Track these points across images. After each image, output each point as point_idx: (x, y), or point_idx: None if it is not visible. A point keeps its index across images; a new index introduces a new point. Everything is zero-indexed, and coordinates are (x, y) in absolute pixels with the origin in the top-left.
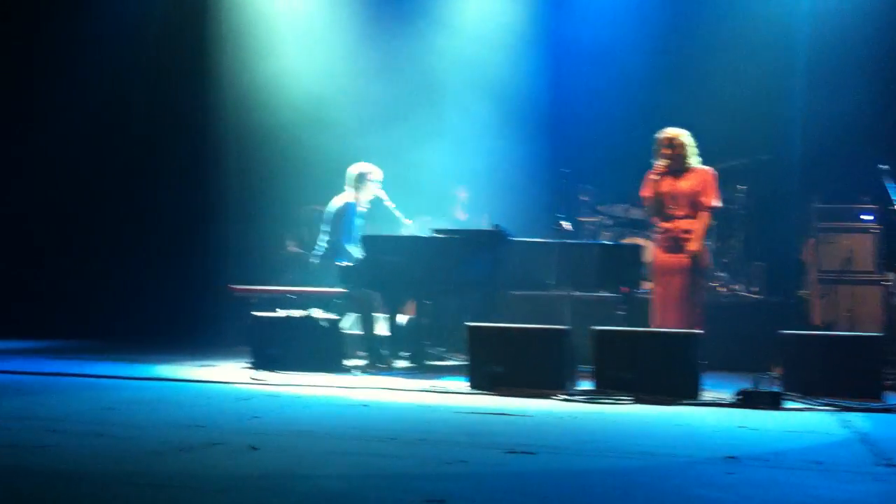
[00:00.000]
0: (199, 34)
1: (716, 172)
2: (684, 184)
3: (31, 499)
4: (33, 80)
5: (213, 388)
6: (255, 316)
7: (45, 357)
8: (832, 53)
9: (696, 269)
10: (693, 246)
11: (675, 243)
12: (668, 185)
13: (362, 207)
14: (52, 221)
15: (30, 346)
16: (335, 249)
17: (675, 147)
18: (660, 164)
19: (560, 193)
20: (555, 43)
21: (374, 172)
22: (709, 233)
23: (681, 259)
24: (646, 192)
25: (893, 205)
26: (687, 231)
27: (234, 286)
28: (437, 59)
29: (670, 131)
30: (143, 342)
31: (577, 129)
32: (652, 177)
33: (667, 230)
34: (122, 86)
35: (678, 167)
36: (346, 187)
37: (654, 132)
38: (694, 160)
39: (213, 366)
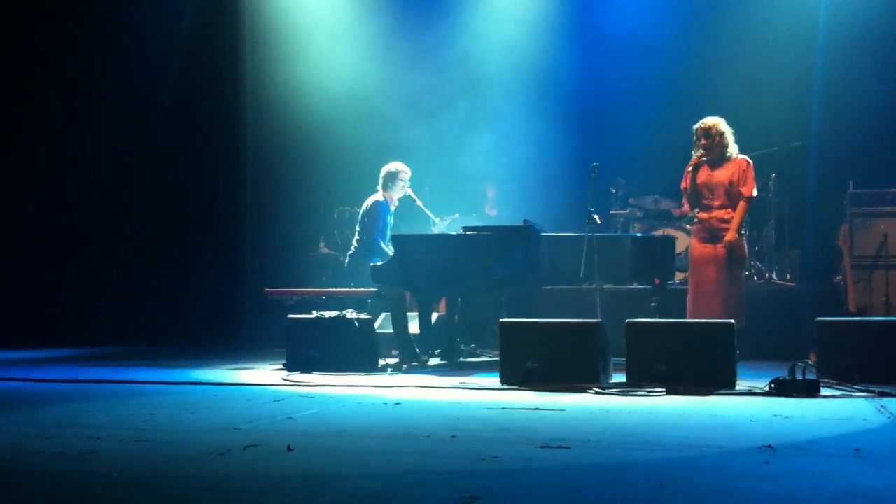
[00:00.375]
0: (232, 33)
1: (751, 162)
2: (721, 173)
3: None
4: (64, 85)
5: (249, 391)
6: (290, 318)
7: (85, 365)
8: (859, 37)
9: (732, 259)
10: (729, 236)
11: (711, 234)
12: (704, 175)
13: (393, 206)
14: (87, 229)
15: (70, 355)
16: (366, 249)
17: (714, 136)
18: (697, 154)
19: (590, 187)
20: (583, 34)
21: (404, 171)
22: (744, 222)
23: (717, 249)
24: (685, 182)
25: None
26: (724, 221)
27: (269, 290)
28: (466, 54)
29: (709, 120)
30: (179, 347)
31: (607, 121)
32: (689, 168)
33: (703, 220)
34: (155, 88)
35: (716, 157)
36: (377, 187)
37: (684, 123)
38: (732, 149)
39: (250, 368)
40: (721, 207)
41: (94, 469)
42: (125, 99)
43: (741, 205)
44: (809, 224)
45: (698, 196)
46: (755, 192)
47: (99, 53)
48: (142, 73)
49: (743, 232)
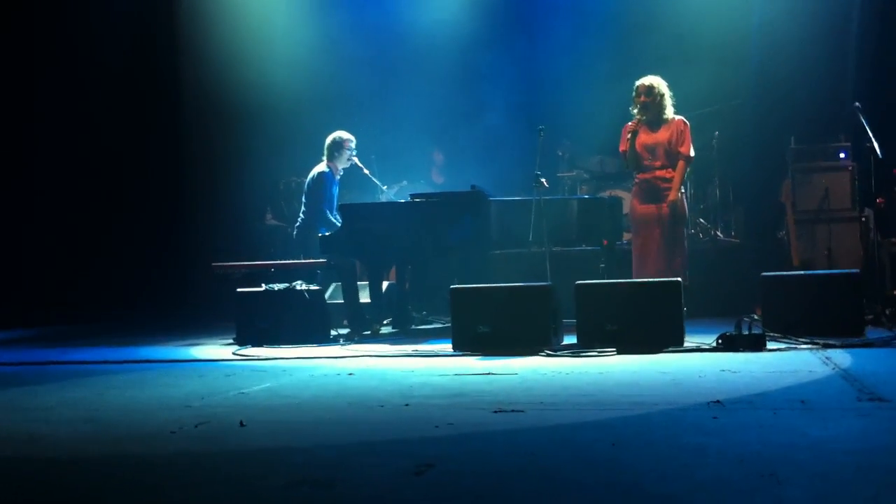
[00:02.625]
0: (173, 9)
1: (688, 122)
2: (660, 135)
3: (31, 489)
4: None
5: (199, 367)
6: (239, 292)
7: (32, 346)
8: None
9: (674, 218)
10: (672, 195)
11: (653, 193)
12: (644, 137)
13: (338, 175)
14: (30, 209)
15: (14, 337)
16: (314, 220)
17: (655, 95)
18: (636, 116)
19: (537, 150)
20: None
21: (350, 140)
22: (685, 181)
23: (660, 209)
24: (623, 145)
25: (869, 142)
26: (665, 180)
27: (217, 263)
28: (409, 19)
29: (653, 79)
30: (127, 325)
31: (551, 84)
32: (628, 132)
33: (644, 180)
34: (97, 61)
35: (653, 118)
36: (322, 157)
37: (628, 84)
38: (669, 111)
39: (200, 344)
40: (662, 168)
41: (44, 452)
42: (65, 70)
43: (680, 164)
44: (752, 180)
45: (638, 158)
46: (692, 152)
47: (35, 26)
48: (79, 45)
49: (682, 191)
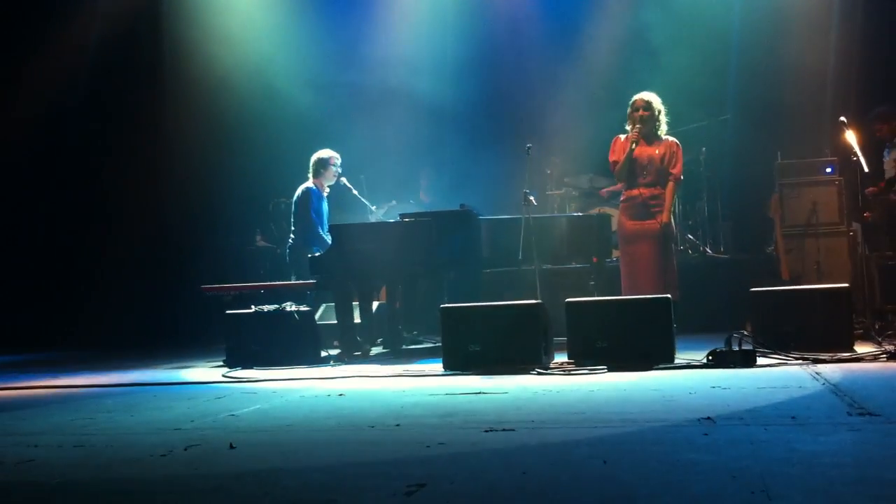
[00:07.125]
0: (159, 32)
1: (680, 144)
2: (654, 152)
3: None
4: None
5: (189, 390)
6: (229, 314)
7: (20, 371)
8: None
9: (665, 235)
10: (665, 217)
11: (643, 210)
12: (638, 151)
13: (325, 192)
14: (16, 233)
15: (3, 361)
16: (305, 238)
17: (653, 111)
18: (636, 129)
19: (526, 168)
20: (512, 17)
21: (335, 157)
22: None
23: (651, 225)
24: (614, 156)
25: (855, 156)
26: (654, 198)
27: (207, 286)
28: (396, 42)
29: (648, 95)
30: (116, 349)
31: (539, 101)
32: (630, 141)
33: (633, 197)
34: (81, 86)
35: (648, 133)
36: (308, 175)
37: (615, 101)
38: (663, 129)
39: (190, 367)
40: (651, 185)
41: (34, 477)
42: (47, 95)
43: (670, 185)
44: (740, 196)
45: (633, 172)
46: (681, 175)
47: (14, 45)
48: (68, 67)
49: (673, 211)
